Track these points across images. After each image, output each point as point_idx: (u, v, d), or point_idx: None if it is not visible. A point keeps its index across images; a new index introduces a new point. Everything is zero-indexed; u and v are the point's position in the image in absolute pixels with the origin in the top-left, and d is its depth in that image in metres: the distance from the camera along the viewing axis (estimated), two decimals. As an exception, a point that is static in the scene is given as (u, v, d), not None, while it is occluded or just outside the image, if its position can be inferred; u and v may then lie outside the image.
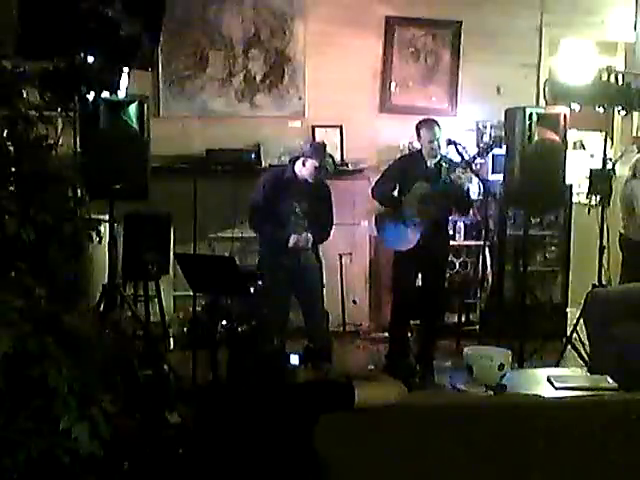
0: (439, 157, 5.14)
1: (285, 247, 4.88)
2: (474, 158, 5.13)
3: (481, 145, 5.98)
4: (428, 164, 5.15)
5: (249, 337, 4.54)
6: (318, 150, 4.95)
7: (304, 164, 4.87)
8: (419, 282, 5.40)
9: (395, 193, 5.21)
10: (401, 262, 5.22)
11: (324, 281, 5.17)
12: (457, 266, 6.28)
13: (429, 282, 5.30)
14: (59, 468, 2.00)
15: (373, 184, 5.32)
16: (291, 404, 2.42)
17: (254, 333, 4.64)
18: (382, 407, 2.42)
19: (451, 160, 5.13)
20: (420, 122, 5.21)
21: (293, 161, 4.98)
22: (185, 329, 5.71)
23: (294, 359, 3.54)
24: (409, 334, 5.46)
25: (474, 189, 5.94)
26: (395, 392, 2.48)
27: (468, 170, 5.01)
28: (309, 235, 4.92)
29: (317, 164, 4.84)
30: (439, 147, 5.13)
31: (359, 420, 2.42)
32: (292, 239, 4.86)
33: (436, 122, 5.17)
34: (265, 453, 2.38)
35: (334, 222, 5.12)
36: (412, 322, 5.49)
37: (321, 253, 5.14)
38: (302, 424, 2.38)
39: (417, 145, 5.71)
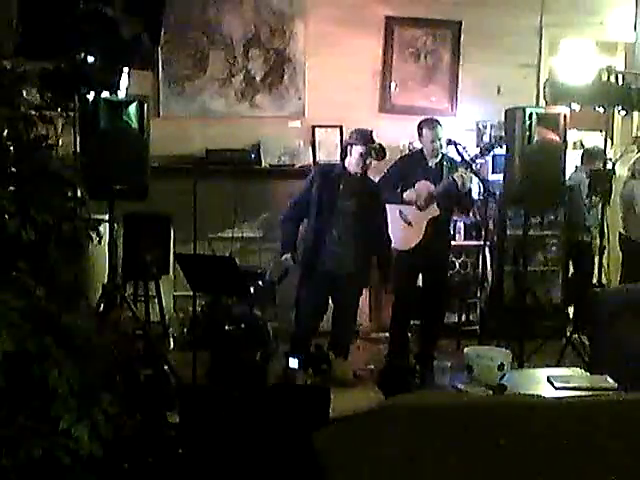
0: (440, 156, 5.15)
1: (322, 251, 4.63)
2: (475, 157, 5.13)
3: (481, 145, 5.99)
4: (429, 163, 5.16)
5: (234, 340, 4.52)
6: (363, 135, 4.63)
7: (350, 153, 4.62)
8: (420, 282, 5.40)
9: (398, 191, 5.21)
10: (402, 262, 5.22)
11: (362, 292, 4.95)
12: (457, 266, 6.28)
13: (430, 282, 5.29)
14: (59, 468, 2.00)
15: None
16: (264, 408, 2.42)
17: (241, 336, 4.61)
18: (374, 410, 2.42)
19: (452, 159, 5.14)
20: (422, 122, 5.21)
21: (343, 155, 4.74)
22: (185, 329, 5.71)
23: (293, 362, 3.54)
24: (409, 334, 5.46)
25: (474, 189, 5.95)
26: (371, 399, 2.48)
27: (468, 170, 5.01)
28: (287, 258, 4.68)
29: (362, 150, 4.56)
30: (441, 147, 5.13)
31: (359, 420, 2.42)
32: (284, 256, 4.68)
33: (438, 122, 5.18)
34: (255, 455, 2.39)
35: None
36: (412, 322, 5.49)
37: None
38: (295, 427, 2.38)
39: (417, 145, 5.71)
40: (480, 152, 5.19)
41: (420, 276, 5.36)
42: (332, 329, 4.88)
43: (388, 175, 5.25)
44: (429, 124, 5.15)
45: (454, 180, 4.93)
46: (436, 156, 5.14)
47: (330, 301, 4.84)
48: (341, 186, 4.64)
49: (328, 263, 4.65)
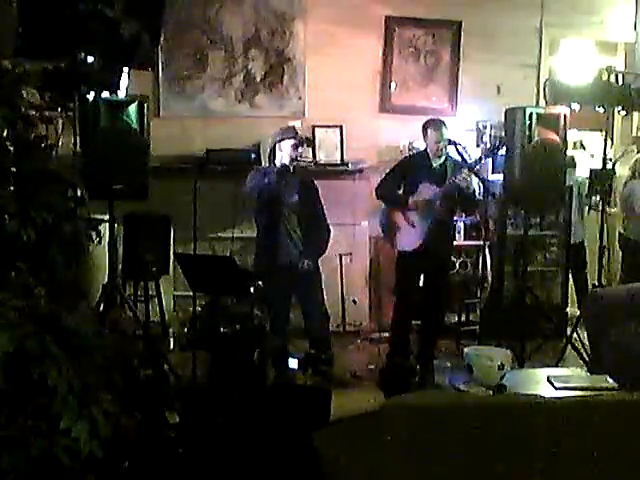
0: (444, 157, 5.12)
1: (278, 246, 4.83)
2: (479, 160, 5.12)
3: (483, 147, 5.97)
4: (433, 165, 5.13)
5: (233, 340, 4.51)
6: (289, 130, 4.96)
7: (280, 149, 4.85)
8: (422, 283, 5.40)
9: (399, 193, 5.19)
10: (404, 262, 5.21)
11: (322, 281, 5.07)
12: (457, 266, 6.27)
13: (432, 283, 5.29)
14: (59, 468, 2.00)
15: (378, 184, 5.29)
16: (265, 409, 2.42)
17: (238, 336, 4.62)
18: (374, 410, 2.42)
19: (456, 160, 5.13)
20: (427, 122, 5.18)
21: (272, 155, 4.94)
22: (185, 329, 5.71)
23: (293, 363, 3.54)
24: (410, 334, 5.46)
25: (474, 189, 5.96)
26: (371, 400, 2.48)
27: (469, 170, 5.00)
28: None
29: (293, 142, 4.83)
30: (445, 147, 5.11)
31: (359, 421, 2.42)
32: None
33: (443, 122, 5.15)
34: (257, 455, 2.39)
35: (329, 227, 5.05)
36: (413, 322, 5.49)
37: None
38: (295, 428, 2.38)
39: (417, 145, 5.71)
40: (485, 154, 5.18)
41: (422, 276, 5.35)
42: (305, 326, 4.97)
43: (390, 177, 5.23)
44: (434, 124, 5.12)
45: (458, 182, 4.92)
46: (440, 157, 5.11)
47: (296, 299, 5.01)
48: (282, 183, 4.81)
49: (282, 259, 4.84)
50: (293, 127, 4.98)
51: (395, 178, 5.21)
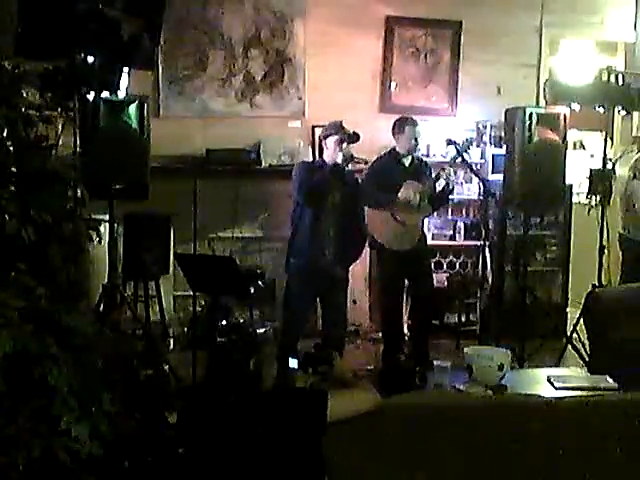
0: (412, 156, 5.15)
1: (313, 247, 4.68)
2: (454, 159, 5.10)
3: (457, 147, 5.95)
4: (405, 163, 5.15)
5: (229, 342, 4.51)
6: (334, 125, 4.75)
7: (326, 145, 4.72)
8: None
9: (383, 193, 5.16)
10: (388, 260, 5.20)
11: (348, 288, 4.98)
12: (457, 266, 6.28)
13: (415, 283, 5.29)
14: (59, 468, 1.99)
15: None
16: (260, 411, 2.42)
17: (235, 339, 4.61)
18: (372, 411, 2.42)
19: (423, 160, 5.22)
20: (402, 120, 5.19)
21: (320, 151, 4.83)
22: (185, 329, 5.71)
23: (293, 363, 3.54)
24: (406, 334, 5.46)
25: (474, 189, 5.97)
26: (368, 402, 2.47)
27: (468, 170, 5.02)
28: None
29: (336, 138, 4.66)
30: (416, 146, 5.16)
31: (358, 421, 2.42)
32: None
33: (416, 120, 5.20)
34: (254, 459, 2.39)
35: (366, 233, 4.95)
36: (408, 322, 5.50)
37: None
38: (292, 430, 2.38)
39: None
40: (457, 153, 5.11)
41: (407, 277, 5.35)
42: (324, 328, 4.90)
43: (368, 178, 5.15)
44: (412, 122, 5.14)
45: (444, 180, 4.94)
46: (408, 155, 5.13)
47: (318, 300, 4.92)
48: (328, 181, 4.67)
49: (318, 260, 4.70)
50: (340, 122, 4.76)
51: (373, 180, 5.12)
